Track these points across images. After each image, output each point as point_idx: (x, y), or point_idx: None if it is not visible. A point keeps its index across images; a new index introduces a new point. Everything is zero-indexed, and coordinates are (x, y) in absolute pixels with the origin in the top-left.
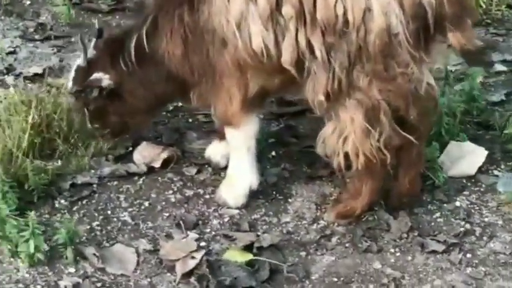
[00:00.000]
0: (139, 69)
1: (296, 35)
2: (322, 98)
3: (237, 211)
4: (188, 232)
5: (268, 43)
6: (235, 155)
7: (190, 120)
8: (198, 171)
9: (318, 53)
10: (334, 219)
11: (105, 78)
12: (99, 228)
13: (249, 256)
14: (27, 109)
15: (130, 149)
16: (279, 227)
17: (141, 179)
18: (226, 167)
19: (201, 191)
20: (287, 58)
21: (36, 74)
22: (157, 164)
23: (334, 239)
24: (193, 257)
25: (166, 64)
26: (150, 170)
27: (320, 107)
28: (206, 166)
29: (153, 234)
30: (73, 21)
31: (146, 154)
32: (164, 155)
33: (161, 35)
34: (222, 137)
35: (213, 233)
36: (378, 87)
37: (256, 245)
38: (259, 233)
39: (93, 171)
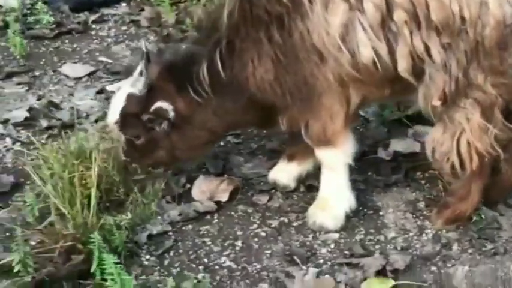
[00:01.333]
0: (215, 98)
1: (411, 40)
2: (438, 102)
3: (337, 235)
4: (303, 266)
5: (381, 53)
6: (332, 175)
7: (222, 143)
8: (269, 199)
9: (435, 55)
10: (443, 226)
11: (170, 109)
12: (208, 280)
13: (391, 282)
14: (80, 161)
15: (188, 186)
16: (390, 244)
17: (215, 217)
18: (295, 190)
19: (284, 219)
20: (404, 66)
21: (27, 119)
22: (224, 198)
23: (454, 247)
24: None
25: (251, 91)
26: (218, 205)
27: (434, 112)
28: (273, 191)
29: (269, 276)
30: (27, 53)
31: (205, 188)
32: (226, 186)
33: (243, 61)
34: (290, 158)
35: (329, 263)
36: (492, 82)
37: (388, 268)
38: (386, 255)
39: (159, 217)
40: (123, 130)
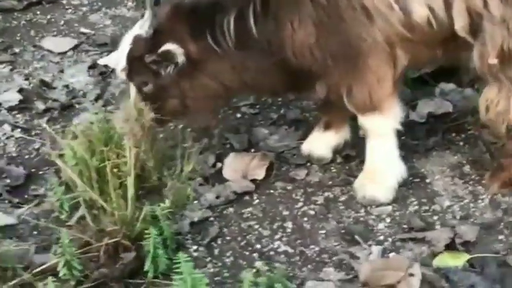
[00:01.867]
0: (237, 52)
1: None
2: (495, 60)
3: (390, 207)
4: (365, 245)
5: (436, 10)
6: (379, 143)
7: (238, 115)
8: (308, 173)
9: (494, 10)
10: (499, 190)
11: (179, 53)
12: (266, 268)
13: (465, 256)
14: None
15: (218, 165)
16: (447, 214)
17: (255, 197)
18: (331, 162)
19: (329, 194)
20: (461, 23)
21: (21, 101)
22: (260, 176)
23: None
24: (411, 274)
25: (284, 55)
26: (254, 183)
27: (490, 71)
28: (308, 164)
29: (331, 258)
30: None
31: (237, 167)
32: (258, 162)
33: (280, 22)
34: (327, 126)
35: (390, 239)
36: None
37: (458, 241)
38: (451, 227)
39: (196, 202)
40: (130, 76)
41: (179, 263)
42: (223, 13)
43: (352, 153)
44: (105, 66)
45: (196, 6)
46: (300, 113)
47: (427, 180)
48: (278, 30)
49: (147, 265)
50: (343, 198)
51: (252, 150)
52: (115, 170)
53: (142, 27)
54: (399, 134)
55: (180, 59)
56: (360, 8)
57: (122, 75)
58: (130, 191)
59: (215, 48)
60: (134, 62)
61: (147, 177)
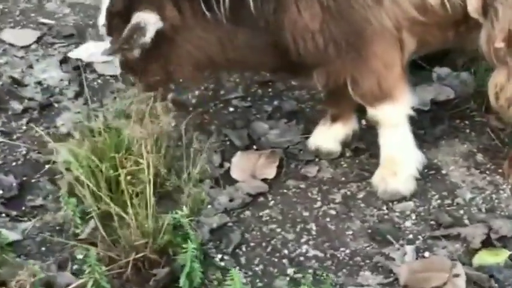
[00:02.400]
0: (228, 25)
1: None
2: (501, 44)
3: (411, 203)
4: (397, 245)
5: None
6: (394, 133)
7: (231, 109)
8: (319, 170)
9: None
10: None
11: (152, 22)
12: (301, 275)
13: (505, 253)
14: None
15: (226, 165)
16: (472, 207)
17: (270, 198)
18: (340, 156)
19: (346, 191)
20: (474, 5)
21: (25, 111)
22: (271, 175)
23: None
24: (456, 275)
25: (283, 37)
26: (266, 183)
27: (497, 55)
28: (317, 160)
29: (365, 261)
30: None
31: (246, 167)
32: (266, 160)
33: (284, 2)
34: (334, 119)
35: (420, 237)
36: None
37: (493, 236)
38: (483, 222)
39: (210, 206)
40: (111, 34)
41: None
42: None
43: (361, 145)
44: (78, 59)
45: None
46: (296, 104)
47: (443, 172)
48: (280, 10)
49: (182, 280)
50: (361, 194)
51: (254, 146)
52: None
53: None
54: None
55: (154, 27)
56: None
57: (102, 30)
58: (151, 200)
59: (204, 15)
60: (114, 19)
61: (161, 183)
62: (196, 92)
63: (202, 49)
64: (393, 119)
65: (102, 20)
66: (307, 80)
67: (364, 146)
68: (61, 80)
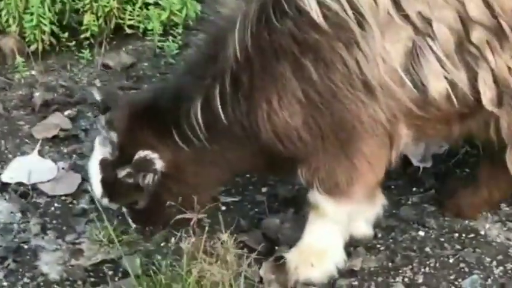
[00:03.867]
0: (211, 146)
1: (495, 63)
2: None
3: (476, 276)
4: None
5: (459, 83)
6: (327, 226)
7: (223, 208)
8: None
9: None
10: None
11: (155, 158)
12: None
13: None
14: None
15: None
16: None
17: None
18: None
19: None
20: (489, 96)
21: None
22: None
23: None
24: None
25: (263, 138)
26: None
27: None
28: None
29: None
30: None
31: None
32: None
33: (254, 102)
34: None
35: None
36: None
37: None
38: None
39: None
40: (115, 201)
41: None
42: (188, 104)
43: None
44: (20, 184)
45: (154, 101)
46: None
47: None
48: (252, 111)
49: None
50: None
51: (276, 247)
52: None
53: (102, 148)
54: None
55: (159, 165)
56: (361, 84)
57: (105, 202)
58: None
59: (185, 148)
60: (113, 186)
61: None
62: None
63: (202, 176)
64: (340, 215)
65: (98, 192)
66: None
67: None
68: (11, 213)
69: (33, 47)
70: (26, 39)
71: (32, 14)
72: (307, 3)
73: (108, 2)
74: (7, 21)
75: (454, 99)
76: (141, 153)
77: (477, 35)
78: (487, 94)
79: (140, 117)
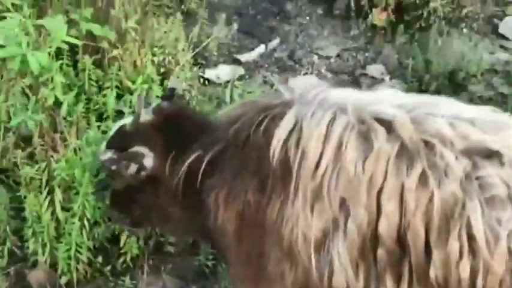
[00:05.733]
0: (183, 196)
1: None
2: None
3: None
4: None
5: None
6: None
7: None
8: None
9: None
10: None
11: (149, 156)
12: None
13: None
14: None
15: None
16: None
17: None
18: None
19: None
20: None
21: None
22: None
23: None
24: None
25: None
26: None
27: None
28: None
29: None
30: None
31: None
32: None
33: (213, 187)
34: None
35: None
36: None
37: None
38: None
39: None
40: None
41: None
42: (190, 147)
43: None
44: None
45: (183, 125)
46: None
47: None
48: (211, 194)
49: None
50: None
51: None
52: None
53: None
54: None
55: (149, 163)
56: (282, 239)
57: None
58: None
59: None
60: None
61: None
62: None
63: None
64: None
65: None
66: None
67: None
68: None
69: (64, 278)
70: (58, 271)
71: (67, 243)
72: None
73: None
74: (34, 251)
75: None
76: (140, 148)
77: (381, 253)
78: None
79: (168, 128)
